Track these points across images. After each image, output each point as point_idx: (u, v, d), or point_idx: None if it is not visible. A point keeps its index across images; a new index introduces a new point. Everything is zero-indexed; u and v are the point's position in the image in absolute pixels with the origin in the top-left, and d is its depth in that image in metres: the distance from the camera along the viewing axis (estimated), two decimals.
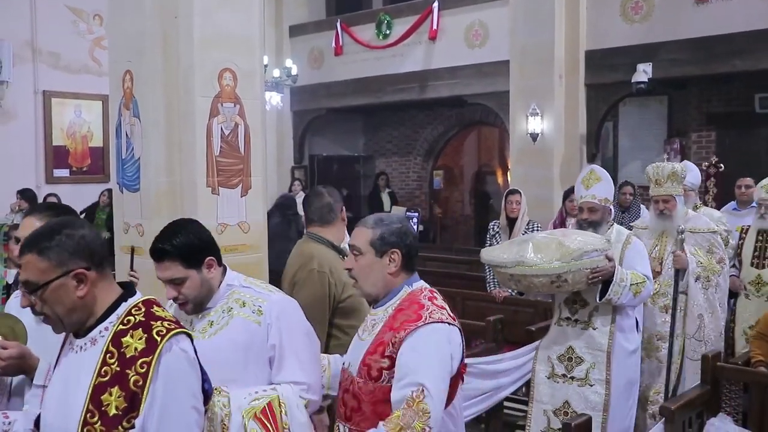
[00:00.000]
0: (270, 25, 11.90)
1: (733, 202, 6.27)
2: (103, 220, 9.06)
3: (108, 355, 1.82)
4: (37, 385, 2.12)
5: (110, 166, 4.77)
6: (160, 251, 2.28)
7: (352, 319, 3.01)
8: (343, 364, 2.43)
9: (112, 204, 5.64)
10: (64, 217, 1.98)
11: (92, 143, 10.69)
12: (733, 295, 4.85)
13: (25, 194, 8.55)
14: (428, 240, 12.51)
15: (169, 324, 1.86)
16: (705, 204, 7.29)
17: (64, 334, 1.94)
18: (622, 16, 8.83)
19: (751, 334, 4.49)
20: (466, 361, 4.06)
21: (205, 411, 2.00)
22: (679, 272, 4.24)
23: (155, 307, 1.92)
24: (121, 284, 1.97)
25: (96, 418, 1.78)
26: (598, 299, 3.72)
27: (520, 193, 6.27)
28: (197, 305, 2.34)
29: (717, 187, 7.54)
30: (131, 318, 1.87)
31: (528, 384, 4.73)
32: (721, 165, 7.65)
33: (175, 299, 2.33)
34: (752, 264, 4.83)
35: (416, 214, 10.38)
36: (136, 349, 1.81)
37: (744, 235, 4.96)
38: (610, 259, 3.66)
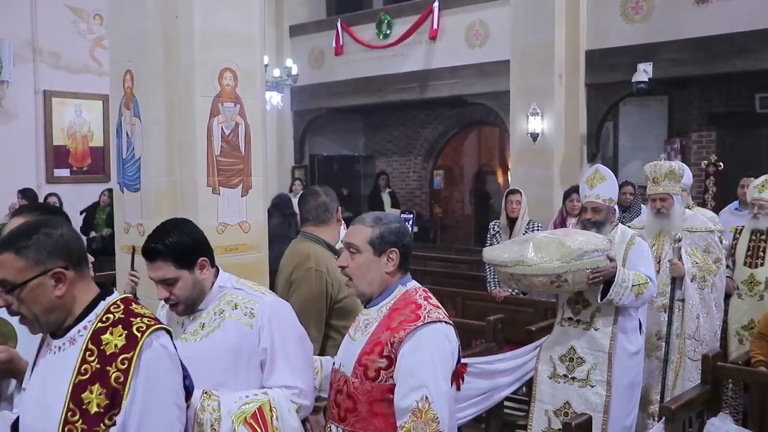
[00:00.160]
0: (270, 25, 11.90)
1: (735, 201, 6.27)
2: (104, 220, 9.06)
3: (88, 353, 1.81)
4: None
5: (111, 165, 4.77)
6: (152, 251, 2.25)
7: (349, 321, 2.98)
8: (333, 364, 2.41)
9: (112, 204, 5.64)
10: (43, 217, 1.97)
11: (93, 143, 10.68)
12: (727, 295, 4.83)
13: (26, 194, 8.54)
14: (428, 240, 12.51)
15: (148, 320, 1.85)
16: (705, 203, 7.30)
17: (41, 336, 1.93)
18: (623, 16, 8.83)
19: (753, 333, 4.49)
20: (467, 360, 4.09)
21: (187, 407, 1.98)
22: (676, 280, 4.23)
23: (134, 305, 1.91)
24: (98, 284, 1.95)
25: (77, 417, 1.76)
26: (599, 300, 3.70)
27: (520, 192, 6.27)
28: (188, 306, 2.31)
29: (716, 186, 7.54)
30: (110, 315, 1.85)
31: (528, 384, 4.74)
32: (721, 164, 7.65)
33: (166, 300, 2.30)
34: (745, 263, 4.84)
35: (411, 215, 10.36)
36: (116, 345, 1.79)
37: (738, 235, 4.96)
38: (611, 260, 3.64)
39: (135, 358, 1.77)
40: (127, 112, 4.43)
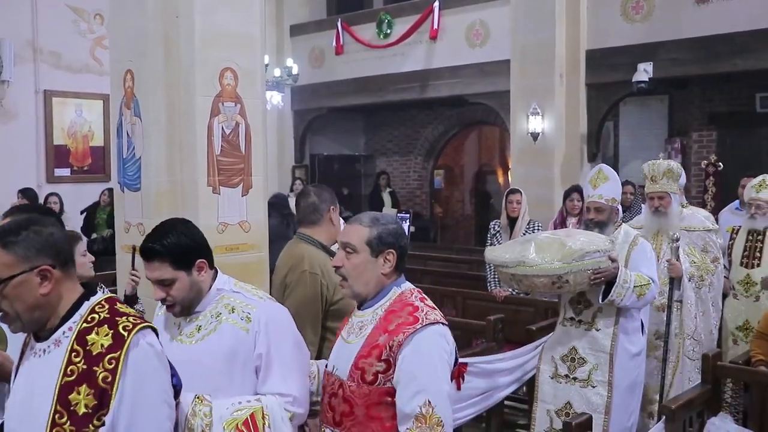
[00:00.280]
0: (271, 25, 11.90)
1: (736, 201, 6.25)
2: (104, 220, 9.06)
3: (73, 354, 1.79)
4: None
5: (111, 165, 4.77)
6: (149, 250, 2.23)
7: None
8: (326, 367, 2.38)
9: (112, 203, 5.63)
10: (34, 215, 1.96)
11: (93, 142, 10.69)
12: (723, 295, 4.82)
13: (27, 194, 8.55)
14: (429, 239, 12.51)
15: (134, 319, 1.84)
16: (705, 203, 7.29)
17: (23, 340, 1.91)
18: (623, 16, 8.83)
19: (753, 333, 4.48)
20: (467, 360, 4.09)
21: (176, 405, 1.97)
22: (674, 281, 4.23)
23: (118, 304, 1.89)
24: (82, 284, 1.93)
25: (65, 419, 1.74)
26: (600, 300, 3.68)
27: (520, 192, 6.27)
28: (185, 308, 2.28)
29: (716, 186, 7.53)
30: (95, 315, 1.84)
31: (528, 383, 4.74)
32: (720, 164, 7.64)
33: (162, 301, 2.28)
34: (741, 264, 4.79)
35: (408, 215, 10.32)
36: (102, 345, 1.78)
37: (735, 235, 4.92)
38: (613, 260, 3.62)
39: (122, 357, 1.76)
40: (127, 111, 4.43)
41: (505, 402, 4.73)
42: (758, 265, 4.72)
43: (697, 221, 4.51)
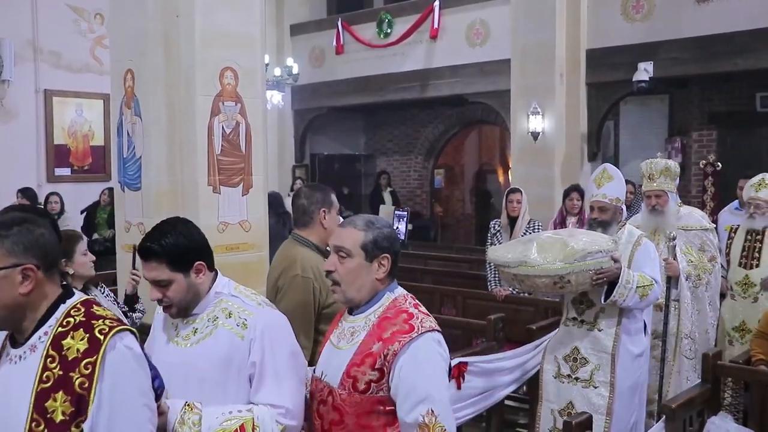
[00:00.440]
0: (271, 24, 11.90)
1: (735, 201, 6.23)
2: (105, 219, 9.06)
3: (49, 360, 1.74)
4: None
5: (112, 164, 4.78)
6: (147, 250, 2.17)
7: None
8: (314, 372, 2.31)
9: (113, 202, 5.63)
10: (29, 214, 1.91)
11: (93, 142, 10.69)
12: (721, 295, 4.77)
13: (26, 193, 8.56)
14: (429, 239, 12.51)
15: (111, 322, 1.78)
16: (704, 204, 7.28)
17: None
18: (623, 15, 8.83)
19: (753, 333, 4.47)
20: (468, 359, 4.10)
21: (158, 407, 1.92)
22: (671, 280, 4.21)
23: (95, 307, 1.84)
24: (62, 286, 1.89)
25: (42, 427, 1.69)
26: (602, 300, 3.65)
27: (521, 191, 6.27)
28: (182, 309, 2.22)
29: (714, 186, 7.51)
30: (71, 319, 1.78)
31: (529, 382, 4.74)
32: (719, 164, 7.63)
33: (159, 301, 2.23)
34: (740, 264, 4.71)
35: (405, 213, 10.28)
36: (78, 350, 1.72)
37: (733, 235, 4.84)
38: (615, 261, 3.58)
39: (99, 361, 1.71)
40: (127, 111, 4.44)
41: (506, 401, 4.73)
42: (757, 266, 4.64)
43: (693, 220, 4.50)
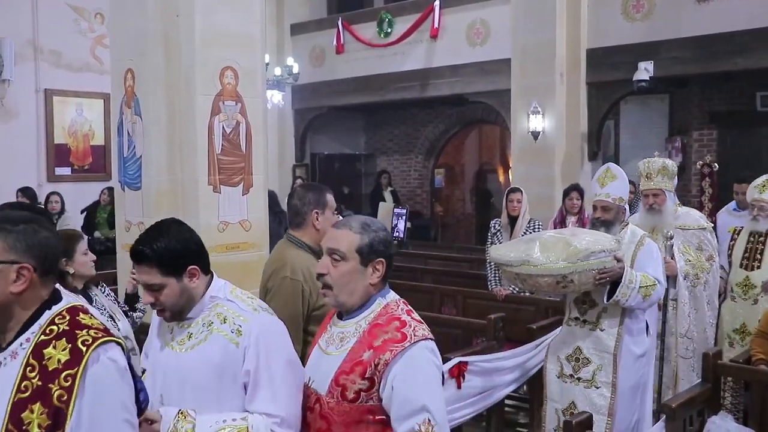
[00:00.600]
0: (271, 24, 11.90)
1: (733, 201, 6.22)
2: (105, 219, 9.07)
3: (28, 369, 1.68)
4: None
5: (112, 164, 4.78)
6: (138, 254, 2.11)
7: None
8: None
9: (113, 202, 5.63)
10: (39, 216, 1.88)
11: (94, 141, 10.69)
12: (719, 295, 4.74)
13: (26, 193, 8.57)
14: (429, 238, 12.52)
15: (95, 332, 1.71)
16: (702, 205, 7.27)
17: None
18: (624, 14, 8.82)
19: (753, 332, 4.46)
20: (468, 359, 4.10)
21: (140, 424, 1.86)
22: (669, 279, 4.20)
23: (81, 315, 1.77)
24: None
25: None
26: (605, 300, 3.64)
27: (521, 191, 6.27)
28: (175, 314, 2.17)
29: (712, 187, 7.47)
30: (54, 327, 1.72)
31: (529, 382, 4.74)
32: (716, 165, 7.60)
33: (152, 305, 2.17)
34: (741, 265, 4.70)
35: (405, 211, 10.26)
36: (59, 361, 1.66)
37: (736, 236, 4.83)
38: (618, 260, 3.57)
39: (79, 374, 1.64)
40: (128, 110, 4.44)
41: (506, 401, 4.73)
42: (758, 267, 4.62)
43: (691, 220, 4.50)
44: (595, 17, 9.09)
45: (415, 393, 1.98)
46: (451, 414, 3.99)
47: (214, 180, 4.25)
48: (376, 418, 2.03)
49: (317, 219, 3.06)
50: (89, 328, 1.73)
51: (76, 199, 9.52)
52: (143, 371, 2.26)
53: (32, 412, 1.64)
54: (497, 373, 4.35)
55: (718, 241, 4.75)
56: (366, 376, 2.01)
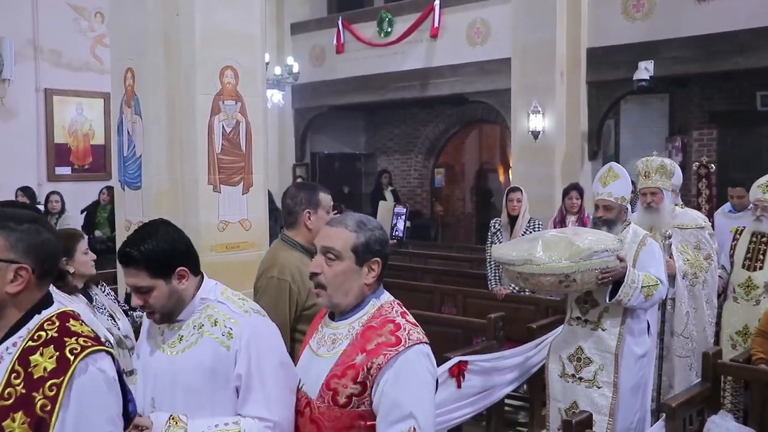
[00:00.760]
0: (271, 23, 11.90)
1: (728, 203, 6.17)
2: (105, 218, 9.07)
3: (13, 375, 1.61)
4: None
5: (112, 163, 4.78)
6: (125, 256, 2.06)
7: None
8: None
9: (113, 201, 5.63)
10: (43, 218, 1.84)
11: (94, 141, 10.70)
12: (719, 295, 4.71)
13: (26, 192, 8.60)
14: (429, 238, 12.52)
15: (84, 341, 1.65)
16: (699, 207, 7.24)
17: None
18: (624, 14, 8.82)
19: (754, 331, 4.44)
20: (468, 358, 4.10)
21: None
22: (668, 278, 4.20)
23: (72, 321, 1.71)
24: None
25: None
26: (607, 300, 3.64)
27: (521, 190, 6.27)
28: (165, 316, 2.13)
29: (709, 188, 7.43)
30: (42, 333, 1.66)
31: (529, 381, 4.75)
32: (712, 165, 7.58)
33: (141, 308, 2.14)
34: (743, 266, 4.65)
35: (405, 210, 10.24)
36: (45, 369, 1.60)
37: (738, 236, 4.79)
38: (621, 260, 3.57)
39: (65, 384, 1.59)
40: (128, 110, 4.44)
41: (506, 400, 4.73)
42: (761, 268, 4.59)
43: (689, 219, 4.49)
44: (595, 16, 9.09)
45: (405, 398, 1.91)
46: (450, 413, 4.00)
47: (214, 179, 4.25)
48: (368, 423, 1.96)
49: (309, 218, 3.04)
50: (79, 335, 1.67)
51: (76, 198, 9.52)
52: (132, 370, 2.22)
53: (14, 420, 1.58)
54: (497, 372, 4.35)
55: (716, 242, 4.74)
56: (358, 380, 1.95)
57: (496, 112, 10.69)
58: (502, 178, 14.47)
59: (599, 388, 3.74)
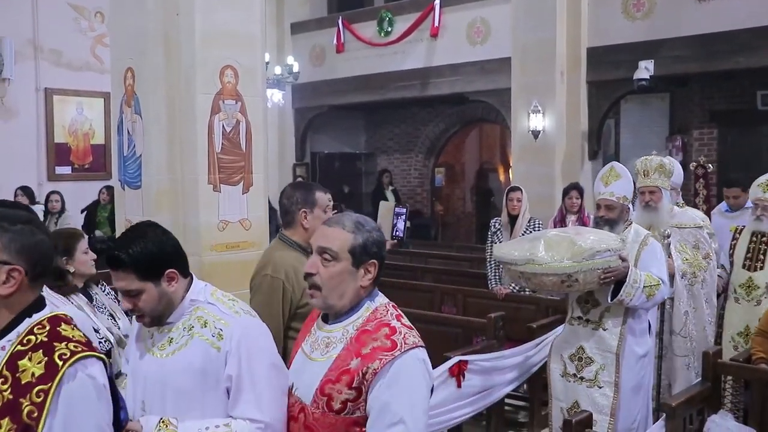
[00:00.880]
0: (271, 23, 11.90)
1: (724, 202, 6.13)
2: (105, 218, 9.07)
3: (0, 380, 1.58)
4: None
5: (112, 163, 4.78)
6: (114, 259, 2.04)
7: None
8: None
9: (112, 201, 5.63)
10: (37, 219, 1.80)
11: (94, 140, 10.70)
12: (718, 295, 4.69)
13: (25, 191, 8.62)
14: (430, 237, 12.52)
15: (75, 346, 1.61)
16: (696, 207, 7.23)
17: None
18: (624, 13, 8.82)
19: (754, 331, 4.43)
20: (468, 358, 4.10)
21: None
22: None
23: (63, 325, 1.67)
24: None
25: None
26: (609, 300, 3.63)
27: (521, 190, 6.27)
28: (155, 319, 2.11)
29: (706, 188, 7.41)
30: (32, 337, 1.62)
31: (530, 381, 4.74)
32: (710, 165, 7.56)
33: (130, 311, 2.12)
34: (744, 266, 4.61)
35: (405, 210, 10.22)
36: (33, 374, 1.57)
37: (738, 235, 4.75)
38: (623, 260, 3.56)
39: (52, 391, 1.55)
40: (128, 109, 4.44)
41: (506, 400, 4.73)
42: (761, 268, 4.55)
43: (687, 218, 4.49)
44: (595, 16, 9.09)
45: (397, 404, 1.88)
46: (450, 413, 4.01)
47: (214, 179, 4.25)
48: (363, 430, 1.93)
49: (305, 218, 3.05)
50: (69, 340, 1.63)
51: (76, 198, 9.53)
52: (119, 373, 2.20)
53: (0, 427, 1.55)
54: (497, 372, 4.35)
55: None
56: (353, 385, 1.90)
57: (497, 111, 10.69)
58: (502, 177, 14.47)
59: (600, 387, 3.73)
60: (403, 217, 9.91)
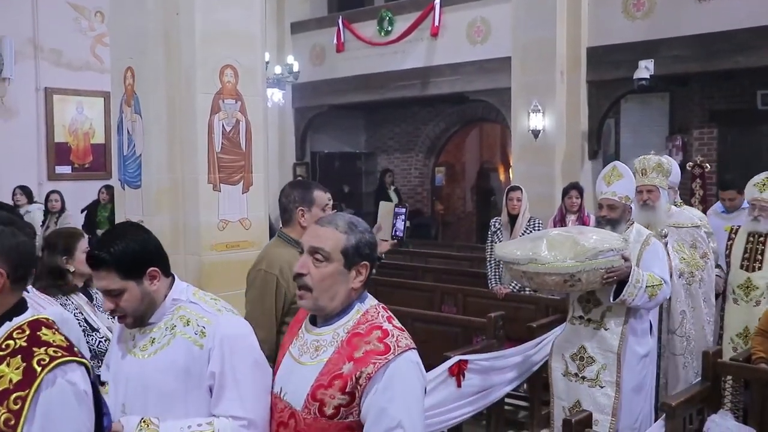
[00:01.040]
0: (271, 22, 11.89)
1: (719, 203, 6.11)
2: (105, 217, 9.07)
3: None
4: None
5: (112, 162, 4.78)
6: (95, 259, 2.02)
7: None
8: (272, 388, 2.08)
9: (112, 200, 5.63)
10: (20, 221, 1.83)
11: (94, 140, 10.70)
12: (717, 295, 4.69)
13: (24, 190, 8.63)
14: (430, 237, 12.52)
15: (55, 351, 1.58)
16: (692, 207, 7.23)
17: None
18: (624, 13, 8.82)
19: (754, 331, 4.43)
20: (468, 357, 4.10)
21: None
22: None
23: (44, 330, 1.64)
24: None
25: None
26: (611, 299, 3.63)
27: (521, 189, 6.27)
28: (137, 319, 2.09)
29: (703, 189, 7.39)
30: (11, 342, 1.59)
31: (530, 380, 4.75)
32: (707, 165, 7.55)
33: (112, 312, 2.10)
34: (741, 266, 4.60)
35: (404, 210, 10.23)
36: (11, 380, 1.53)
37: (733, 236, 4.73)
38: (626, 259, 3.56)
39: (30, 397, 1.51)
40: (128, 109, 4.44)
41: (506, 399, 4.73)
42: (759, 269, 4.53)
43: (684, 218, 4.48)
44: (595, 15, 9.09)
45: (393, 408, 1.85)
46: (450, 413, 4.01)
47: (214, 178, 4.25)
48: None
49: (303, 216, 3.07)
50: (49, 345, 1.60)
51: (76, 197, 9.53)
52: (102, 381, 2.19)
53: None
54: (497, 371, 4.35)
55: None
56: (346, 390, 1.87)
57: (497, 110, 10.69)
58: (502, 177, 14.47)
59: (602, 387, 3.73)
60: (403, 216, 9.90)
